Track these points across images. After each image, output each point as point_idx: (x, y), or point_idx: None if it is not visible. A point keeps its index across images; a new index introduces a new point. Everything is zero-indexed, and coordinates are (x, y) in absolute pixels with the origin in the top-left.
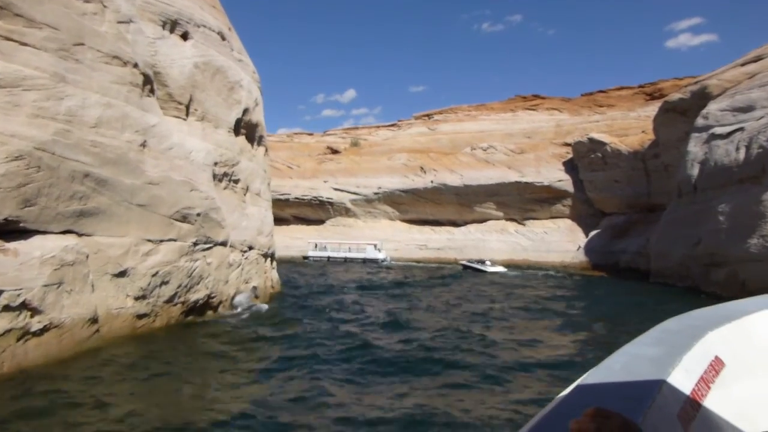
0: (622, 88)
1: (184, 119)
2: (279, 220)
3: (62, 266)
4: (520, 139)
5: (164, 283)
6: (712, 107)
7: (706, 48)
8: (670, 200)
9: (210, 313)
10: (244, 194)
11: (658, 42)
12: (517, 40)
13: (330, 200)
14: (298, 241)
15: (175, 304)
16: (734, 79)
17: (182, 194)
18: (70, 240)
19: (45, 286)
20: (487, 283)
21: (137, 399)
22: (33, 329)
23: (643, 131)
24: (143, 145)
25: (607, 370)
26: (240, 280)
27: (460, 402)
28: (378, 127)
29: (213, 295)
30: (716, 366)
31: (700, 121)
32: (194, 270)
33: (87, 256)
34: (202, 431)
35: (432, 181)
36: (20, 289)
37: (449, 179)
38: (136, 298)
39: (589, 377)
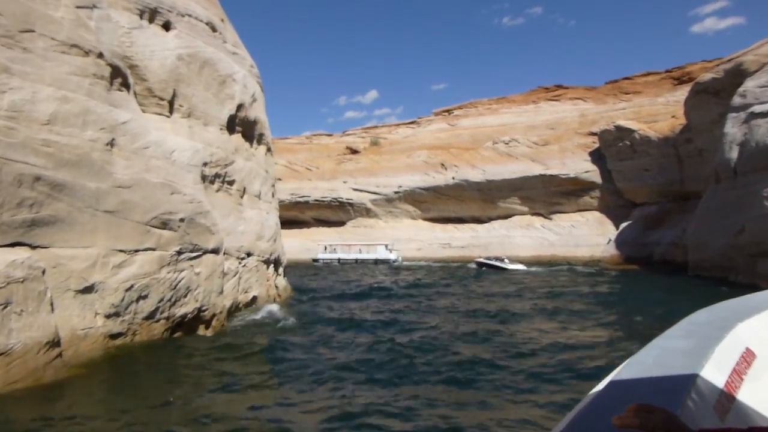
0: (648, 74)
1: (168, 116)
2: (299, 223)
3: (8, 284)
4: (544, 131)
5: (142, 297)
6: (750, 84)
7: (733, 31)
8: (707, 187)
9: (202, 327)
10: (241, 197)
11: (683, 27)
12: (538, 33)
13: (350, 201)
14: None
15: (157, 321)
16: None
17: (161, 198)
18: (20, 253)
19: None
20: (508, 282)
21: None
22: None
23: (672, 116)
24: (111, 144)
25: (639, 365)
26: (237, 290)
27: (490, 412)
28: (398, 125)
29: (204, 307)
30: (748, 357)
31: (737, 100)
32: (179, 281)
33: (43, 271)
34: None
35: (453, 178)
36: None
37: (471, 175)
38: (108, 316)
39: (622, 372)
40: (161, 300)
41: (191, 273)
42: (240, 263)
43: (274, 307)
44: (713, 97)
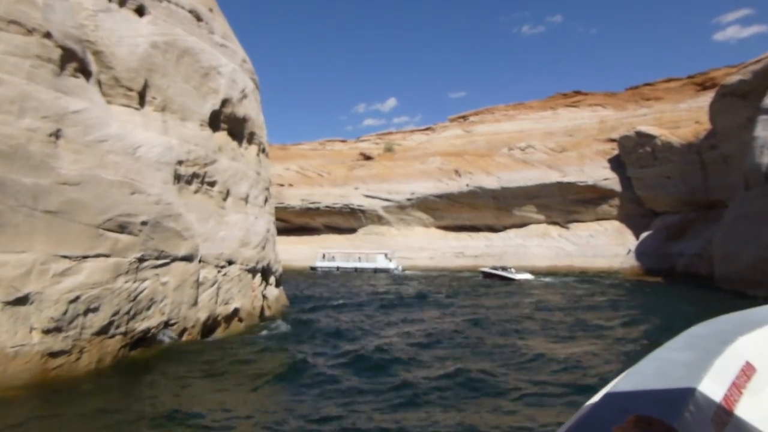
0: (670, 80)
1: (138, 108)
2: (310, 230)
3: None
4: (561, 138)
5: (91, 310)
6: None
7: (757, 39)
8: (734, 194)
9: (171, 343)
10: (224, 199)
11: (705, 36)
12: (559, 41)
13: (361, 208)
14: (329, 251)
15: (112, 336)
16: None
17: (118, 198)
18: None
19: None
20: (518, 294)
21: None
22: None
23: (696, 122)
24: (56, 135)
25: (638, 376)
26: (216, 302)
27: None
28: (412, 131)
29: (173, 321)
30: (747, 371)
31: None
32: (140, 292)
33: None
34: None
35: (467, 185)
36: None
37: (485, 182)
38: (46, 332)
39: (620, 383)
40: (116, 313)
41: (156, 283)
42: (219, 272)
43: (258, 321)
44: (741, 100)
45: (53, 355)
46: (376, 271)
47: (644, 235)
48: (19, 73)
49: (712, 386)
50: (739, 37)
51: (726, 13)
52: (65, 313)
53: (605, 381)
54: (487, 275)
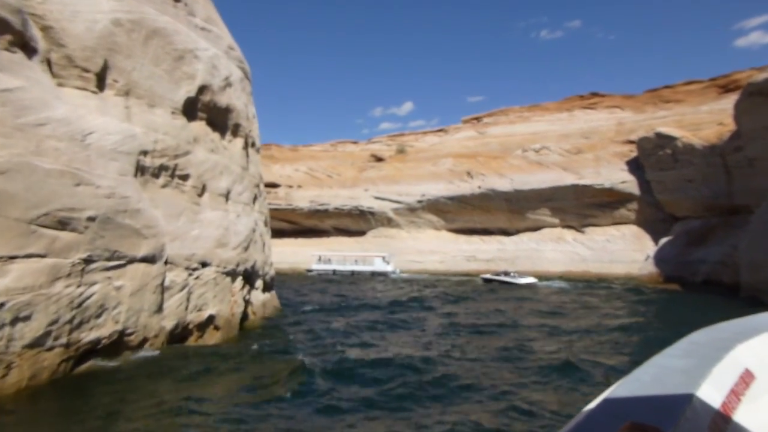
0: (690, 83)
1: (95, 92)
2: (319, 232)
3: None
4: (577, 140)
5: (21, 319)
6: None
7: None
8: (760, 199)
9: (128, 355)
10: (199, 195)
11: (727, 41)
12: (577, 46)
13: (371, 210)
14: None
15: (50, 349)
16: None
17: (57, 189)
18: None
19: None
20: (528, 300)
21: None
22: None
23: (719, 123)
24: None
25: (636, 382)
26: (186, 308)
27: None
28: (425, 132)
29: (130, 330)
30: (746, 379)
31: None
32: (87, 298)
33: None
34: None
35: (479, 187)
36: None
37: (498, 184)
38: None
39: (618, 389)
40: (54, 322)
41: (108, 287)
42: (191, 275)
43: (239, 329)
44: None
45: None
46: (373, 274)
47: (663, 240)
48: None
49: (711, 393)
50: (763, 42)
51: (749, 18)
52: None
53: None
54: (488, 281)
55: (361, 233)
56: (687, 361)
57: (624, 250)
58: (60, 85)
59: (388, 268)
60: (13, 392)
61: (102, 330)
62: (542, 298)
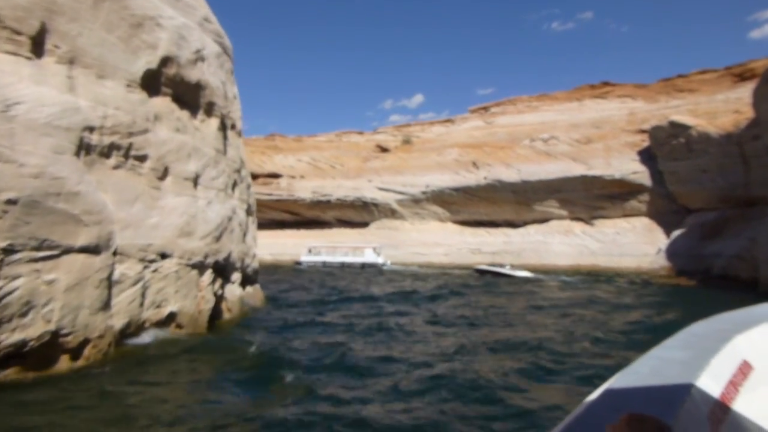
0: (705, 71)
1: (29, 58)
2: (321, 224)
3: None
4: (587, 130)
5: None
6: None
7: None
8: None
9: (66, 359)
10: (159, 178)
11: (741, 33)
12: (589, 38)
13: (374, 201)
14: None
15: None
16: None
17: None
18: None
19: None
20: (531, 294)
21: None
22: None
23: (736, 111)
24: None
25: (636, 374)
26: (142, 305)
27: None
28: (431, 123)
29: (65, 331)
30: (744, 370)
31: None
32: (7, 294)
33: None
34: None
35: (485, 177)
36: None
37: (505, 175)
38: None
39: (618, 381)
40: None
41: (35, 281)
42: (147, 268)
43: (207, 326)
44: None
45: None
46: (363, 266)
47: (676, 233)
48: None
49: (709, 384)
50: None
51: (764, 9)
52: None
53: None
54: (483, 272)
55: (364, 225)
56: (686, 353)
57: (635, 243)
58: None
59: (379, 260)
60: None
61: (29, 331)
62: (544, 292)
